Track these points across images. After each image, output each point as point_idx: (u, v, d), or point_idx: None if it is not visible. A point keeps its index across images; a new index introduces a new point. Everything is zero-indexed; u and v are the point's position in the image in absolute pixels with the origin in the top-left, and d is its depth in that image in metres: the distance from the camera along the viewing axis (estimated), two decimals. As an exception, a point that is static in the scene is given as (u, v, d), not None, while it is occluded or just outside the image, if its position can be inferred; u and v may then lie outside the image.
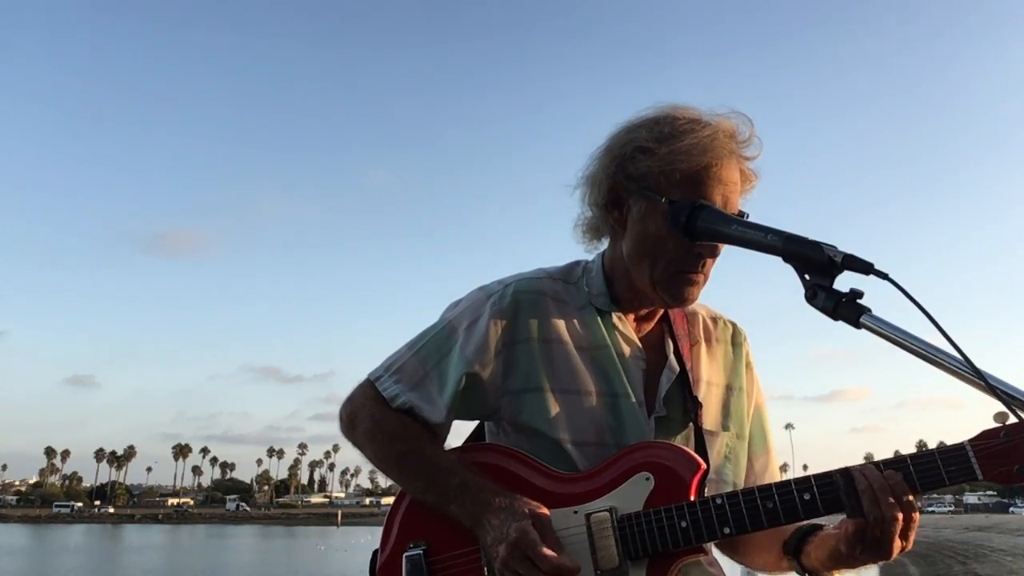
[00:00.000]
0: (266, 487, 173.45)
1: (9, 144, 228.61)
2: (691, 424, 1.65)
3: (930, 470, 1.37)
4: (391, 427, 1.64)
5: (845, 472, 1.39)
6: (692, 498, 1.49)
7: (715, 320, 1.82)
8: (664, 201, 1.53)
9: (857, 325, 1.21)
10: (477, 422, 1.78)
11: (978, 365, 1.10)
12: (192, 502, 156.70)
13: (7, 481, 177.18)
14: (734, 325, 1.85)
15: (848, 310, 1.22)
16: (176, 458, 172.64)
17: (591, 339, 1.65)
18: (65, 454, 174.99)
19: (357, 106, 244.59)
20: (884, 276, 1.19)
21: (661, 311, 1.74)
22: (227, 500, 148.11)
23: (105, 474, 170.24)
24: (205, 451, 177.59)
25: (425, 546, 1.58)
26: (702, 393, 1.69)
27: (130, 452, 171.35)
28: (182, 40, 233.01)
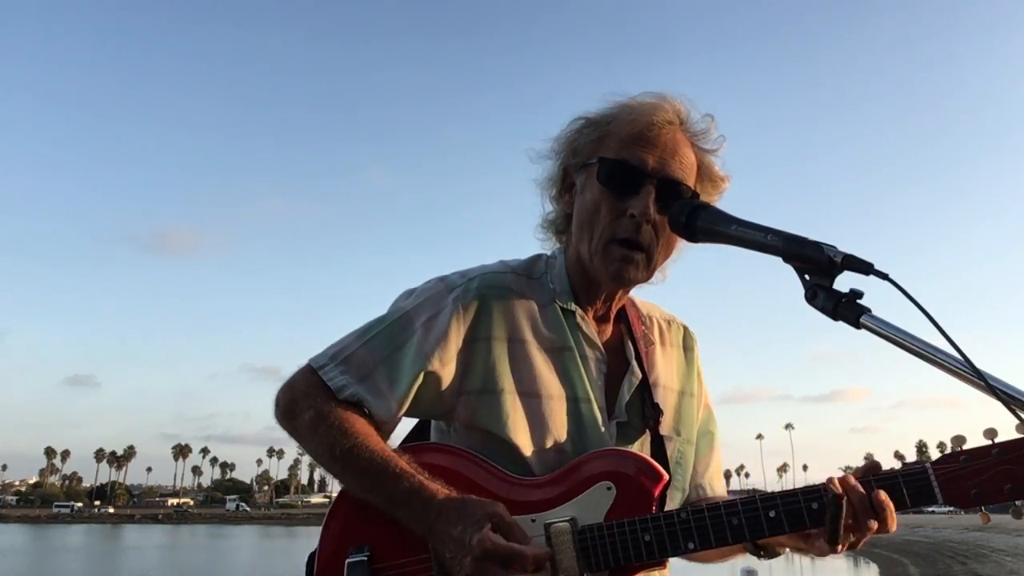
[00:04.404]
0: (266, 487, 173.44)
1: (9, 143, 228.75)
2: (648, 430, 1.63)
3: (892, 491, 1.37)
4: (337, 420, 1.50)
5: (833, 498, 1.36)
6: (654, 510, 1.46)
7: (669, 323, 1.82)
8: (596, 161, 1.55)
9: (857, 325, 1.21)
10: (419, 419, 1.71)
11: (978, 365, 1.10)
12: (192, 502, 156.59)
13: (7, 481, 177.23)
14: (685, 328, 1.84)
15: (848, 310, 1.22)
16: (176, 458, 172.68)
17: (555, 340, 1.61)
18: (65, 454, 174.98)
19: (355, 105, 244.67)
20: (884, 276, 1.19)
21: (618, 309, 1.71)
22: (227, 500, 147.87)
23: (105, 474, 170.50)
24: (205, 451, 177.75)
25: (369, 551, 1.47)
26: (660, 398, 1.67)
27: (130, 452, 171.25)
28: (181, 39, 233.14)
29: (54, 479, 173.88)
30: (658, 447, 1.62)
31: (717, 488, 1.79)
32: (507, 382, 1.55)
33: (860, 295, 1.23)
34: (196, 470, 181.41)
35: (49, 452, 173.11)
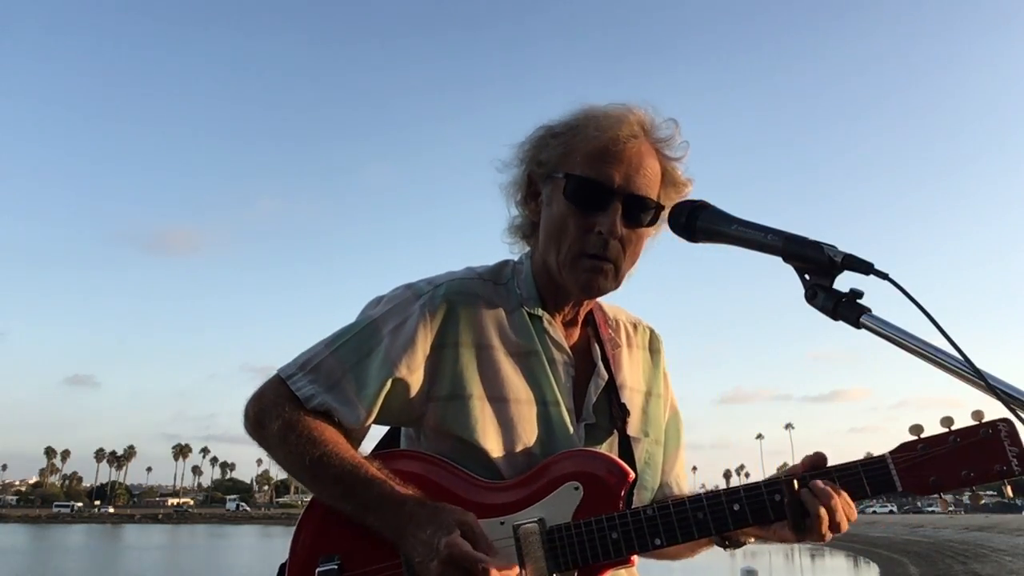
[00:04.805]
0: (266, 487, 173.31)
1: (8, 143, 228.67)
2: (616, 431, 1.65)
3: (854, 481, 1.42)
4: (306, 430, 1.51)
5: (792, 493, 1.42)
6: (621, 508, 1.48)
7: (635, 325, 1.84)
8: (562, 176, 1.55)
9: (857, 325, 1.21)
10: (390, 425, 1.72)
11: (978, 365, 1.10)
12: (192, 502, 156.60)
13: (7, 481, 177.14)
14: (652, 331, 1.86)
15: (848, 310, 1.22)
16: (176, 458, 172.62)
17: (523, 344, 1.62)
18: (65, 454, 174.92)
19: (354, 103, 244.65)
20: (884, 276, 1.19)
21: (586, 313, 1.73)
22: (227, 500, 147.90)
23: (105, 474, 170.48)
24: (205, 451, 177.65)
25: (339, 560, 1.48)
26: (627, 399, 1.68)
27: (130, 452, 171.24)
28: (181, 39, 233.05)
29: (54, 479, 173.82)
30: (625, 447, 1.64)
31: (683, 486, 1.83)
32: (475, 387, 1.56)
33: (860, 295, 1.23)
34: (196, 470, 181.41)
35: (49, 452, 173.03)
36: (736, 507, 1.44)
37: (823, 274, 1.26)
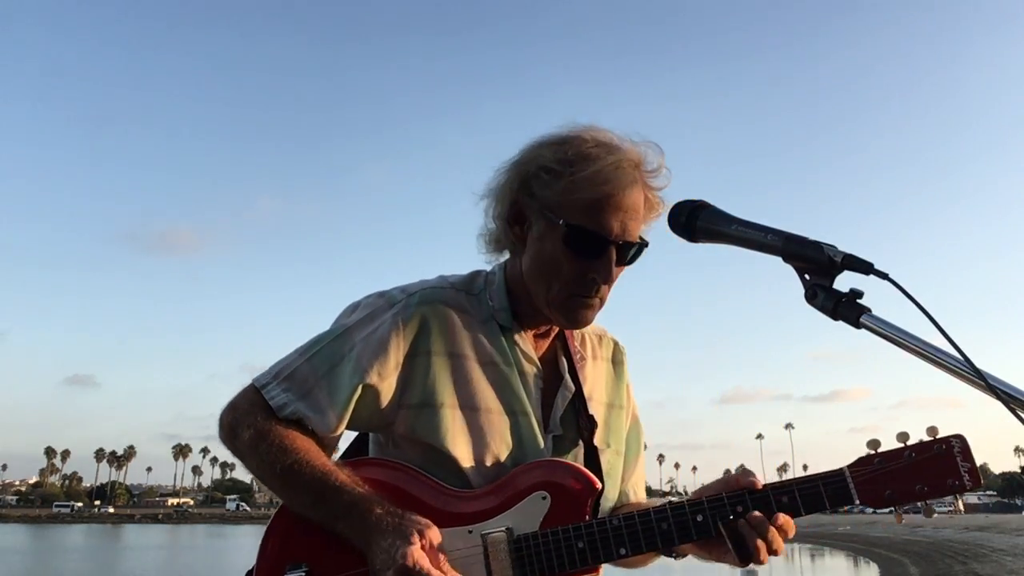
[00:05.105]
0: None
1: (8, 144, 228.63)
2: (582, 442, 1.67)
3: (813, 495, 1.45)
4: (278, 438, 1.53)
5: (727, 521, 1.46)
6: (587, 518, 1.50)
7: (600, 337, 1.86)
8: (562, 224, 1.56)
9: (857, 325, 1.20)
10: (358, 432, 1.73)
11: (978, 365, 1.10)
12: (192, 502, 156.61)
13: (7, 481, 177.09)
14: (616, 342, 1.89)
15: (848, 310, 1.21)
16: (176, 458, 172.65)
17: (493, 355, 1.64)
18: (65, 454, 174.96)
19: (354, 103, 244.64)
20: (884, 276, 1.19)
21: (557, 328, 1.74)
22: (227, 500, 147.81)
23: (105, 474, 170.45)
24: (205, 451, 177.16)
25: (307, 568, 1.49)
26: (592, 411, 1.70)
27: (130, 452, 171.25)
28: (180, 39, 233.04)
29: (54, 479, 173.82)
30: (592, 458, 1.66)
31: (640, 495, 1.86)
32: (447, 396, 1.58)
33: (860, 295, 1.23)
34: (196, 470, 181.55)
35: (49, 452, 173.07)
36: (699, 518, 1.47)
37: (823, 274, 1.25)
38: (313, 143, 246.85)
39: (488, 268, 1.75)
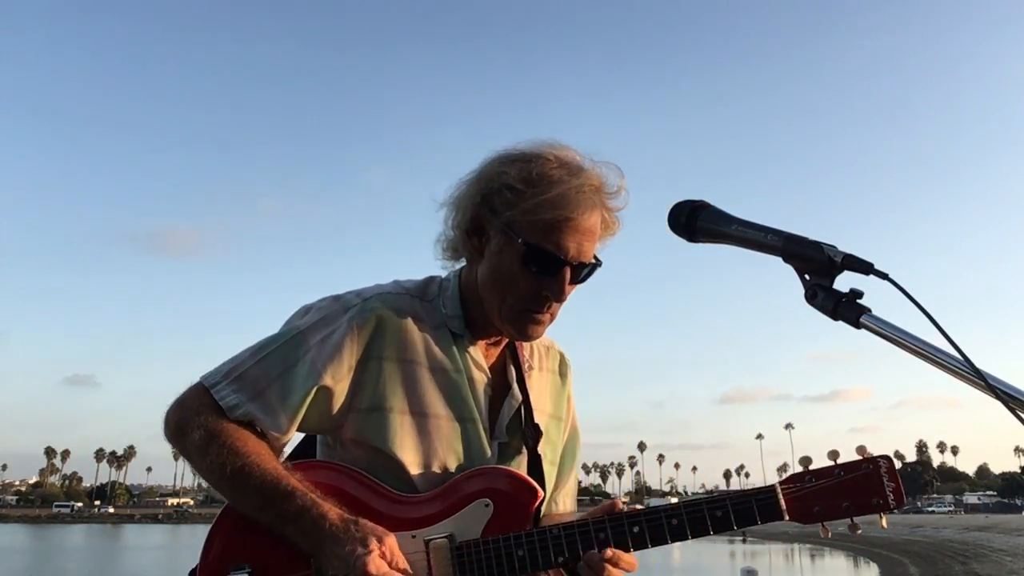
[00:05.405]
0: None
1: (8, 144, 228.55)
2: (526, 450, 1.70)
3: (745, 510, 1.51)
4: (229, 440, 1.52)
5: (569, 564, 1.51)
6: (529, 526, 1.54)
7: (548, 349, 1.89)
8: (521, 242, 1.57)
9: (857, 325, 1.20)
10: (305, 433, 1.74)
11: (978, 365, 1.10)
12: (192, 502, 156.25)
13: (7, 481, 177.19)
14: (562, 355, 1.92)
15: (848, 310, 1.21)
16: (176, 458, 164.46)
17: (445, 362, 1.66)
18: (65, 454, 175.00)
19: (355, 105, 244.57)
20: (884, 276, 1.19)
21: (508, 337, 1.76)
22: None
23: (105, 474, 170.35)
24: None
25: (250, 569, 1.49)
26: (537, 420, 1.73)
27: (130, 452, 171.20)
28: (180, 42, 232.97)
29: (54, 479, 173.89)
30: (535, 466, 1.69)
31: (568, 505, 1.89)
32: (396, 401, 1.60)
33: (860, 295, 1.22)
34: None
35: (49, 452, 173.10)
36: (636, 529, 1.51)
37: (823, 274, 1.25)
38: (315, 146, 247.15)
39: (443, 275, 1.77)
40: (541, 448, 1.72)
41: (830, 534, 1.52)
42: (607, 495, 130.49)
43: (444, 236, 1.72)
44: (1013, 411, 1.09)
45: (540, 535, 1.51)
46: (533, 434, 1.70)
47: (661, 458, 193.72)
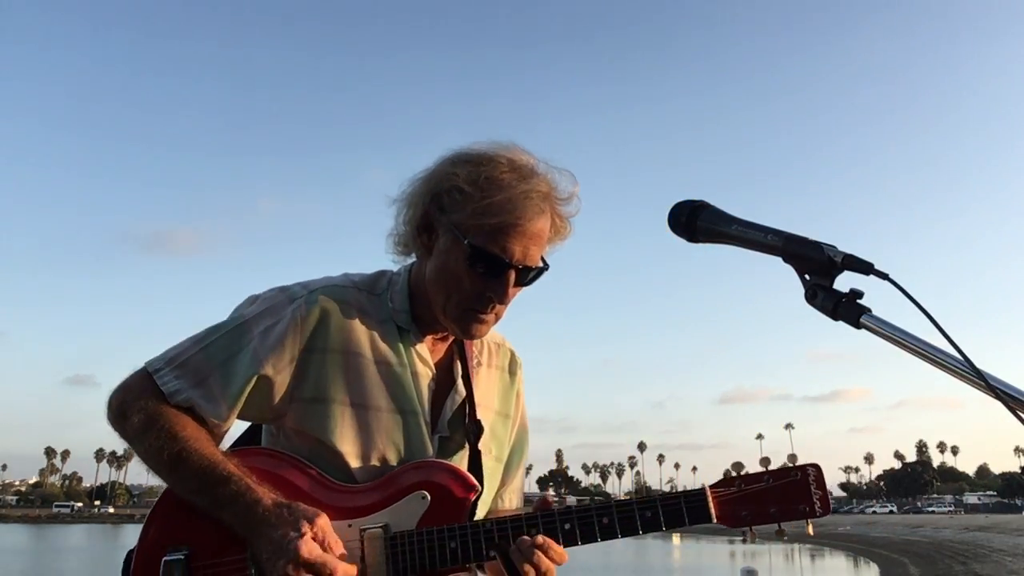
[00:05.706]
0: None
1: (9, 144, 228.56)
2: (468, 445, 1.71)
3: (675, 511, 1.54)
4: (167, 424, 1.55)
5: (502, 546, 1.51)
6: (465, 519, 1.56)
7: (498, 346, 1.90)
8: (467, 243, 1.59)
9: (857, 325, 1.20)
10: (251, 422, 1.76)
11: (978, 365, 1.10)
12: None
13: (7, 481, 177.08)
14: (512, 353, 1.93)
15: (848, 310, 1.21)
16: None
17: (388, 355, 1.67)
18: (65, 454, 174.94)
19: (355, 106, 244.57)
20: (884, 276, 1.19)
21: None
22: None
23: (105, 474, 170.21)
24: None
25: (187, 551, 1.52)
26: (479, 417, 1.74)
27: (130, 452, 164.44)
28: (180, 43, 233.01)
29: (54, 479, 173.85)
30: (475, 462, 1.70)
31: (515, 502, 1.91)
32: (339, 393, 1.61)
33: (860, 295, 1.22)
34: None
35: (49, 452, 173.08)
36: (567, 526, 1.53)
37: (823, 274, 1.25)
38: (314, 146, 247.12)
39: (394, 269, 1.78)
40: (484, 444, 1.73)
41: (756, 537, 1.57)
42: (607, 495, 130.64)
43: (395, 231, 1.73)
44: (1013, 411, 1.09)
45: (473, 529, 1.53)
46: (475, 430, 1.71)
47: (661, 458, 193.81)
